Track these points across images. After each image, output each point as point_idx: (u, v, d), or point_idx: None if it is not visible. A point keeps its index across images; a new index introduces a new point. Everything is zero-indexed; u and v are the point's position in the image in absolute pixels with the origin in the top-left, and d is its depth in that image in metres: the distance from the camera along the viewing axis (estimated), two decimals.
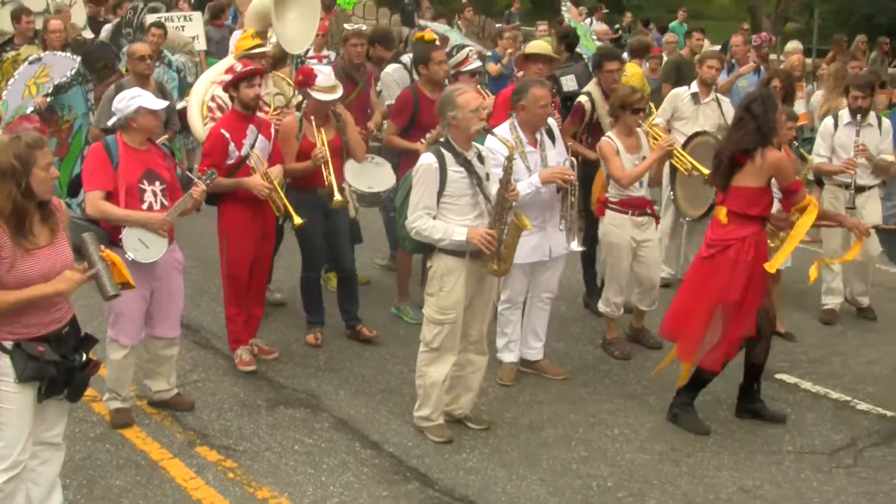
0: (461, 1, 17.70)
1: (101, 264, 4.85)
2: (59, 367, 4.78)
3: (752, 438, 6.71)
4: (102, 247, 4.95)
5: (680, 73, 11.69)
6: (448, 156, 6.12)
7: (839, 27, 33.47)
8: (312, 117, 7.48)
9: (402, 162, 8.21)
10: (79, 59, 9.54)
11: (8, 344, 4.71)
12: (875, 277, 9.45)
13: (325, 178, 7.41)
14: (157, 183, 6.35)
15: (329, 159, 7.40)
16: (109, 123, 6.47)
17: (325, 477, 6.00)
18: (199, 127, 7.95)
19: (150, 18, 11.64)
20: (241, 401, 6.96)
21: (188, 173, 6.94)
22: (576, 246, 7.14)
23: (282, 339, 8.03)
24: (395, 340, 8.13)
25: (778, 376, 7.71)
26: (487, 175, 6.29)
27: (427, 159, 6.13)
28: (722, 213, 6.57)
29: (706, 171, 7.94)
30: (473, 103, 6.09)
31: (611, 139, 7.61)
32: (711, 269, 6.55)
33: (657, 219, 8.07)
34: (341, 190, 7.47)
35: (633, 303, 8.17)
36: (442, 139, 6.27)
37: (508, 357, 7.39)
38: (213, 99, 7.90)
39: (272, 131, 7.43)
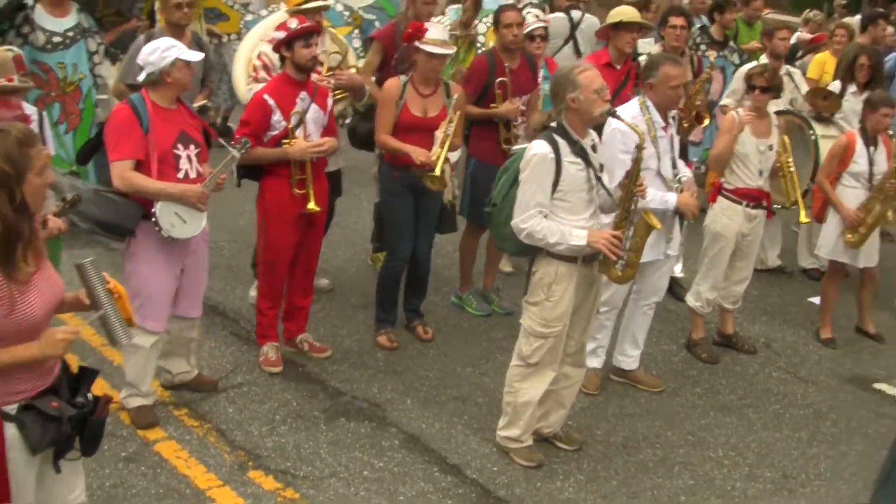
0: None
1: (109, 303, 3.67)
2: (70, 421, 3.64)
3: (868, 463, 5.90)
4: (106, 276, 3.71)
5: None
6: (563, 144, 5.17)
7: None
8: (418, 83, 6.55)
9: (473, 135, 7.29)
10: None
11: (11, 409, 3.50)
12: None
13: (436, 156, 6.43)
14: (192, 147, 5.55)
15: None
16: (140, 79, 5.53)
17: None
18: (243, 87, 6.88)
19: None
20: (295, 411, 6.06)
21: (221, 140, 6.04)
22: None
23: (332, 333, 7.07)
24: (458, 335, 7.23)
25: (876, 386, 7.01)
26: (601, 166, 5.38)
27: (540, 148, 5.15)
28: None
29: (803, 208, 7.13)
30: (597, 82, 5.14)
31: (738, 116, 6.79)
32: None
33: (770, 213, 7.21)
34: (443, 171, 6.47)
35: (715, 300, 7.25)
36: (553, 124, 5.32)
37: (594, 363, 6.50)
38: (259, 57, 6.85)
39: (328, 101, 6.48)
